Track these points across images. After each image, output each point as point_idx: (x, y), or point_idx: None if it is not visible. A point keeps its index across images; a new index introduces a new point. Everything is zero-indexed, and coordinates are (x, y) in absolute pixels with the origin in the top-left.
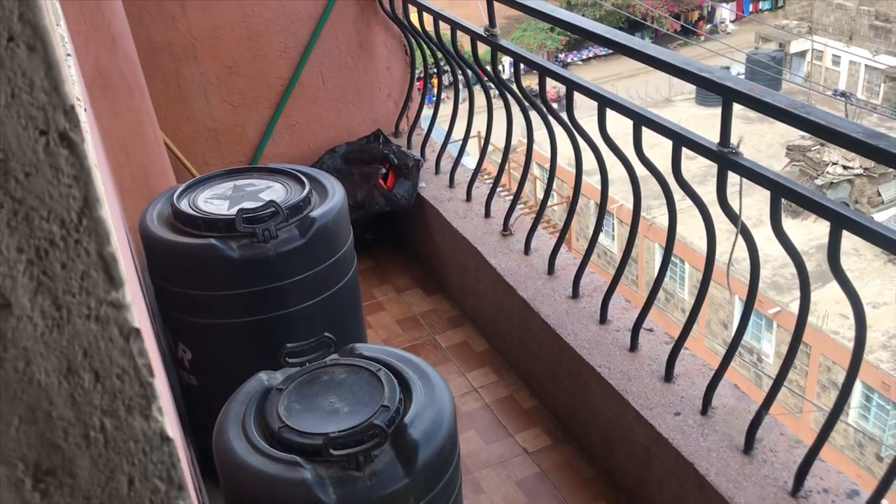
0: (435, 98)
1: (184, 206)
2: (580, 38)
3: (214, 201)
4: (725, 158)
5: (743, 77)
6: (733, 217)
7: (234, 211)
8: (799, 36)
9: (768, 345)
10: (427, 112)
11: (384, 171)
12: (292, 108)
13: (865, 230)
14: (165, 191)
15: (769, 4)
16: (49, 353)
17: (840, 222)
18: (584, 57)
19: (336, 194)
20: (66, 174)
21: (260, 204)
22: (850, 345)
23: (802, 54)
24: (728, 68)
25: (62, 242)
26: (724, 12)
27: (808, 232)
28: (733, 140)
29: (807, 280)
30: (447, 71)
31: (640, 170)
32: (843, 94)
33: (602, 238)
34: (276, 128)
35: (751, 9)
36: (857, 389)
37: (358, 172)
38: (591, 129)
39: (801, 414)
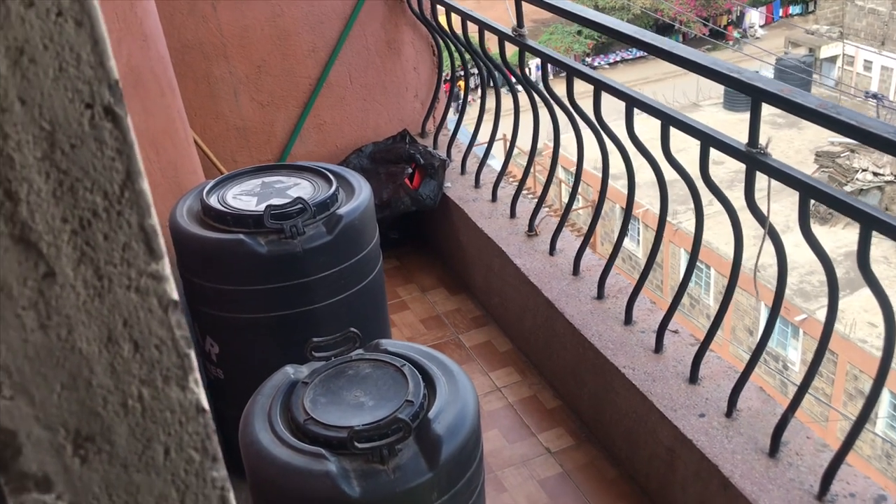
0: (462, 99)
1: (213, 201)
2: (608, 40)
3: (243, 197)
4: (754, 159)
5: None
6: (761, 219)
7: (262, 207)
8: (830, 41)
9: (794, 352)
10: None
11: (410, 170)
12: (320, 108)
13: (893, 229)
14: (195, 187)
15: (800, 9)
16: (90, 322)
17: (870, 223)
18: (612, 61)
19: (363, 192)
20: (109, 147)
21: (288, 201)
22: (879, 353)
23: (833, 59)
24: (757, 72)
25: (105, 213)
26: (754, 16)
27: (836, 239)
28: (762, 141)
29: (835, 279)
30: (474, 73)
31: (666, 174)
32: (874, 96)
33: (627, 242)
34: (304, 127)
35: (781, 13)
36: (886, 398)
37: (384, 172)
38: (618, 132)
39: (827, 423)
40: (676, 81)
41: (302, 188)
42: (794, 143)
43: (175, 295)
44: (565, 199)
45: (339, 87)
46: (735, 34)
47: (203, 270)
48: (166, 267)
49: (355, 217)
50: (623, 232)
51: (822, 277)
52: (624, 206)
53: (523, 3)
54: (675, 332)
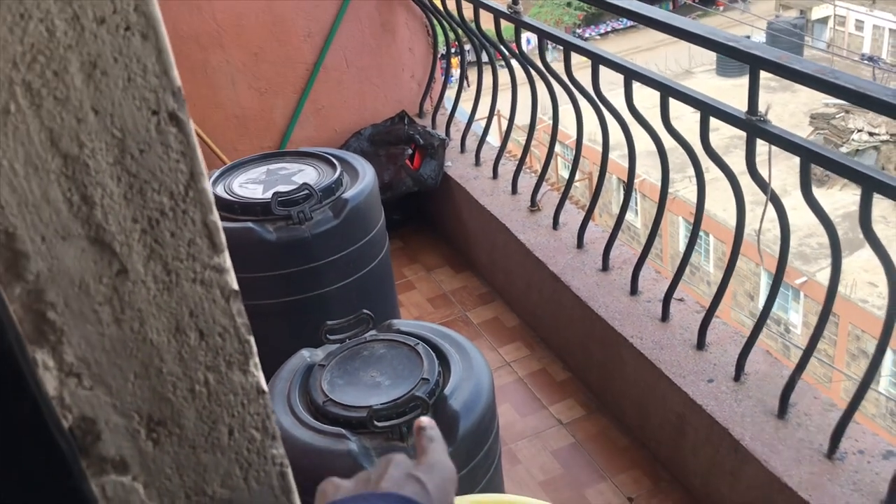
0: (458, 78)
1: (220, 191)
2: (598, 11)
3: (249, 186)
4: (754, 126)
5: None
6: (763, 185)
7: (269, 195)
8: (821, 1)
9: (795, 315)
10: (451, 92)
11: (410, 151)
12: (318, 93)
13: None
14: None
15: None
16: (160, 314)
17: (871, 185)
18: (602, 31)
19: (367, 175)
20: (174, 150)
21: (294, 187)
22: (880, 313)
23: (825, 20)
24: (749, 37)
25: (171, 212)
26: None
27: (834, 201)
28: (761, 108)
29: (838, 246)
30: (469, 50)
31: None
32: (870, 59)
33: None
34: (303, 112)
35: None
36: (889, 357)
37: (384, 154)
38: (615, 102)
39: (831, 384)
40: (668, 50)
41: (307, 174)
42: (788, 106)
43: (235, 285)
44: (563, 174)
45: (335, 71)
46: None
47: None
48: (227, 259)
49: (361, 200)
50: (626, 203)
51: (820, 240)
52: (620, 178)
53: None
54: (681, 300)
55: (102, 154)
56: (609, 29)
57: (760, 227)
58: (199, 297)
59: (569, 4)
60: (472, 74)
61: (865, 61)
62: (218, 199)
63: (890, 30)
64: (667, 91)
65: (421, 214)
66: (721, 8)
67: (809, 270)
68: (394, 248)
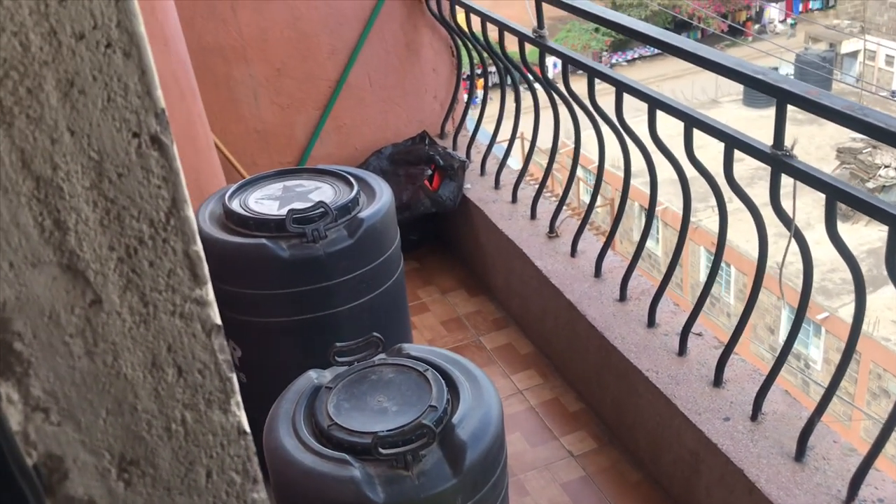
0: (481, 100)
1: (235, 206)
2: (626, 38)
3: (265, 202)
4: (779, 161)
5: (792, 78)
6: (787, 221)
7: (284, 211)
8: (851, 35)
9: (816, 351)
10: (473, 114)
11: (430, 172)
12: (339, 110)
13: None
14: (217, 191)
15: (820, 4)
16: (135, 348)
17: None
18: (630, 58)
19: (384, 195)
20: (156, 175)
21: (309, 204)
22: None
23: (854, 54)
24: (777, 69)
25: (151, 241)
26: (773, 12)
27: (859, 236)
28: (787, 142)
29: (862, 286)
30: (493, 72)
31: (687, 171)
32: None
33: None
34: (324, 129)
35: (801, 8)
36: None
37: (404, 173)
38: (638, 130)
39: (851, 422)
40: (695, 78)
41: (323, 192)
42: (815, 139)
43: (218, 319)
44: (584, 199)
45: (358, 89)
46: (754, 29)
47: (226, 274)
48: (210, 292)
49: (377, 221)
50: (646, 234)
51: (843, 275)
52: (642, 205)
53: (543, 3)
54: (699, 334)
55: (78, 177)
56: (636, 56)
57: (783, 261)
58: (178, 331)
59: (596, 30)
60: (497, 96)
61: (893, 97)
62: (233, 214)
63: None
64: (691, 122)
65: (438, 236)
66: (749, 38)
67: (832, 306)
68: (409, 269)
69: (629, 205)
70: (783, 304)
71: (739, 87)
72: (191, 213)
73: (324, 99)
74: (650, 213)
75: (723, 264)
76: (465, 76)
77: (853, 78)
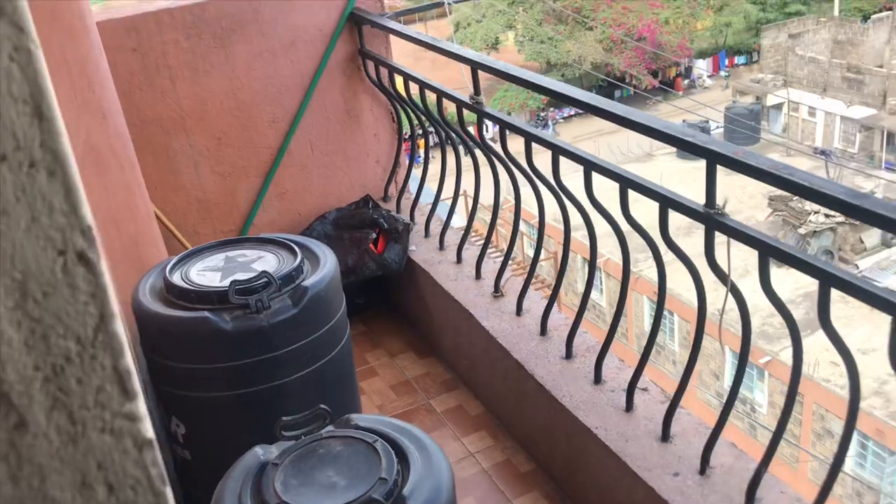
0: (422, 161)
1: (176, 279)
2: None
3: (207, 273)
4: (712, 219)
5: (722, 130)
6: (722, 276)
7: (226, 283)
8: (774, 89)
9: (761, 395)
10: (418, 174)
11: (374, 235)
12: (282, 177)
13: (854, 288)
14: (157, 264)
15: (744, 59)
16: (64, 469)
17: (829, 281)
18: (566, 115)
19: (328, 262)
20: (83, 292)
21: (252, 275)
22: (842, 392)
23: (779, 107)
24: (707, 122)
25: (78, 358)
26: (701, 67)
27: (795, 280)
28: (719, 200)
29: (798, 338)
30: (432, 132)
31: (626, 225)
32: (822, 152)
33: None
34: (266, 196)
35: (726, 63)
36: (853, 437)
37: (348, 238)
38: (577, 185)
39: (798, 464)
40: (631, 133)
41: (266, 261)
42: (747, 188)
43: (150, 433)
44: (528, 252)
45: (300, 156)
46: (684, 85)
47: (167, 349)
48: (141, 406)
49: (321, 288)
50: (586, 296)
51: (776, 328)
52: (585, 257)
53: (479, 70)
54: (645, 389)
55: (0, 299)
56: (573, 112)
57: (722, 314)
58: (109, 448)
59: None
60: (439, 155)
61: (819, 154)
62: (174, 287)
63: (840, 117)
64: (626, 183)
65: (385, 299)
66: (680, 93)
67: (773, 350)
68: (356, 333)
69: (572, 257)
70: (727, 349)
71: None
72: (119, 328)
73: (265, 167)
74: (591, 272)
75: (666, 312)
76: (406, 136)
77: (780, 130)
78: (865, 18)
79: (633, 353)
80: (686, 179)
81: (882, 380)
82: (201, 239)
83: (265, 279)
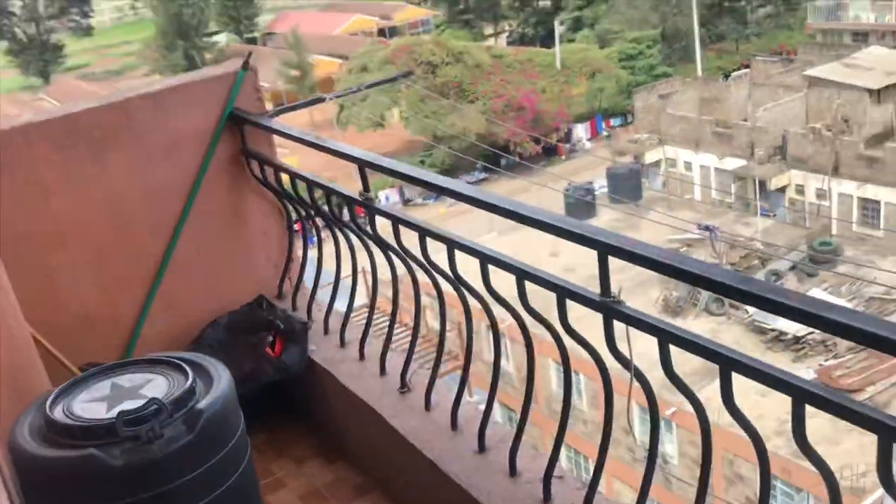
0: (317, 259)
1: (58, 414)
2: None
3: (91, 405)
4: (609, 308)
5: (606, 190)
6: (625, 363)
7: (113, 413)
8: (651, 147)
9: (671, 446)
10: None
11: (271, 338)
12: (168, 285)
13: (754, 371)
14: (37, 398)
15: (619, 121)
16: None
17: (730, 365)
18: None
19: (222, 379)
20: None
21: (141, 402)
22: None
23: (657, 163)
24: (591, 183)
25: None
26: (580, 131)
27: (688, 327)
28: (614, 289)
29: (702, 410)
30: (325, 226)
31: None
32: (706, 228)
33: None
34: (153, 307)
35: (604, 126)
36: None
37: (243, 343)
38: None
39: None
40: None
41: (156, 385)
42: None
43: None
44: (433, 324)
45: (186, 262)
46: (566, 149)
47: (51, 494)
48: None
49: (217, 409)
50: (493, 394)
51: (684, 369)
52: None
53: (366, 168)
54: (561, 477)
55: None
56: (475, 178)
57: (629, 401)
58: None
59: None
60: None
61: (703, 230)
62: (55, 424)
63: (715, 169)
64: (523, 275)
65: (287, 403)
66: (563, 157)
67: (677, 400)
68: (259, 443)
69: (479, 324)
70: (633, 404)
71: (561, 206)
72: None
73: (150, 276)
74: (495, 374)
75: (573, 373)
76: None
77: (659, 185)
78: (726, 76)
79: (540, 415)
80: (568, 244)
81: (783, 419)
82: (87, 358)
83: (155, 406)
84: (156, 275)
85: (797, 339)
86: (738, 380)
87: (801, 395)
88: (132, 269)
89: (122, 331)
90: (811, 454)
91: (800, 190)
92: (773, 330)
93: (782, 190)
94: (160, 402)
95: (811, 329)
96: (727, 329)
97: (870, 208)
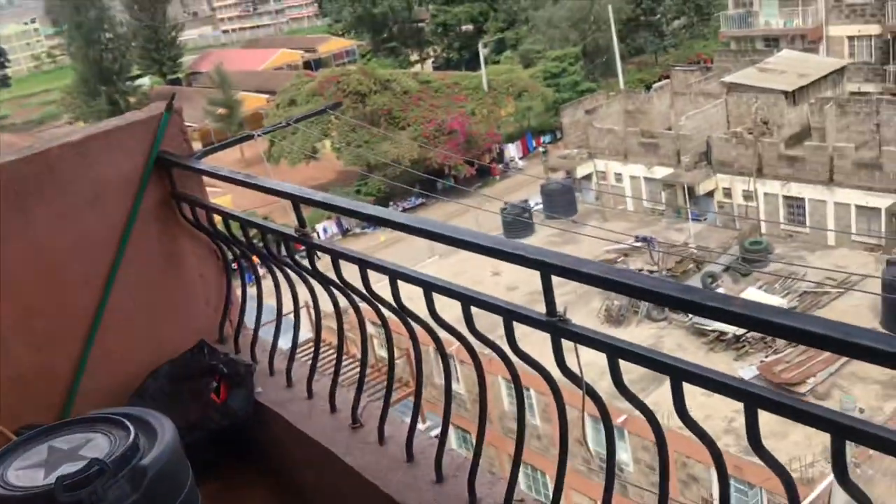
0: (257, 297)
1: None
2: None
3: (27, 472)
4: (556, 327)
5: (541, 206)
6: (576, 380)
7: (51, 479)
8: (581, 162)
9: (624, 454)
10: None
11: (215, 383)
12: (104, 338)
13: (705, 380)
14: None
15: (549, 138)
16: None
17: (680, 376)
18: (406, 206)
19: (166, 432)
20: None
21: (82, 464)
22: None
23: (589, 176)
24: (527, 200)
25: None
26: (512, 151)
27: (632, 336)
28: (559, 308)
29: (657, 424)
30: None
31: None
32: (644, 239)
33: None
34: (90, 362)
35: (534, 144)
36: (714, 478)
37: (187, 391)
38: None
39: None
40: (458, 223)
41: (96, 444)
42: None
43: None
44: (380, 353)
45: (122, 312)
46: (500, 169)
47: None
48: None
49: (162, 464)
50: (446, 425)
51: (631, 376)
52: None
53: (301, 204)
54: (521, 501)
55: None
56: (417, 202)
57: (583, 414)
58: None
59: (358, 191)
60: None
61: (641, 242)
62: None
63: (644, 178)
64: (468, 300)
65: (237, 449)
66: (497, 177)
67: (627, 407)
68: (211, 493)
69: (427, 350)
70: (585, 415)
71: (498, 225)
72: None
73: (85, 330)
74: (446, 417)
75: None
76: (235, 269)
77: (593, 197)
78: (648, 88)
79: (495, 433)
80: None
81: (730, 418)
82: (22, 421)
83: (97, 467)
84: (90, 328)
85: (737, 339)
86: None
87: (754, 401)
88: (65, 324)
89: (59, 389)
90: (767, 458)
91: (727, 193)
92: (713, 331)
93: (710, 194)
94: (101, 463)
95: None
96: (669, 333)
97: (795, 206)
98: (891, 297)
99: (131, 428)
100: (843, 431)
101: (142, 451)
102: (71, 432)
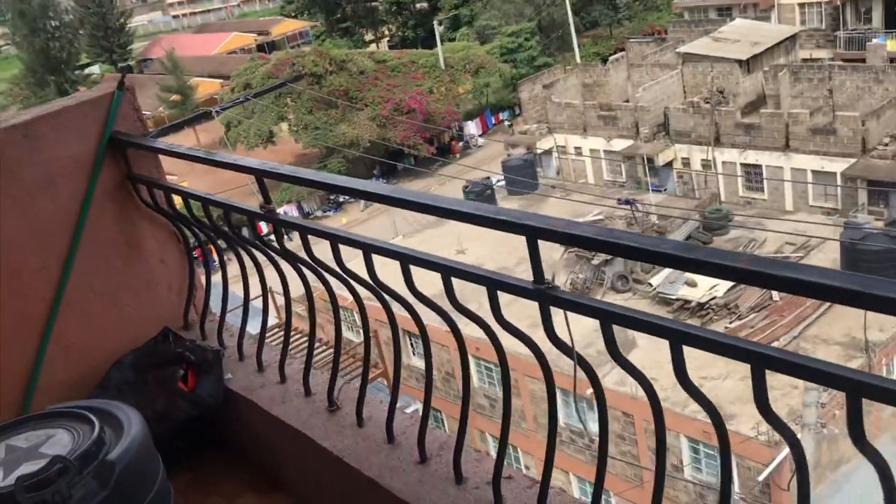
0: (222, 282)
1: None
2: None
3: None
4: (545, 294)
5: (503, 184)
6: (567, 350)
7: (11, 480)
8: (541, 137)
9: (594, 425)
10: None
11: (182, 371)
12: (63, 329)
13: (708, 342)
14: None
15: (508, 114)
16: None
17: (680, 339)
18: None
19: (133, 424)
20: None
21: (43, 462)
22: (666, 405)
23: (549, 152)
24: (489, 178)
25: None
26: (471, 128)
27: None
28: (547, 276)
29: (658, 403)
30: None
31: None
32: (627, 202)
33: (420, 360)
34: (48, 354)
35: (493, 121)
36: (684, 444)
37: (153, 380)
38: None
39: (643, 483)
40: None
41: (58, 441)
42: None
43: None
44: (349, 336)
45: (80, 301)
46: (460, 147)
47: None
48: None
49: (131, 458)
50: (427, 407)
51: (599, 347)
52: (405, 329)
53: (264, 179)
54: (509, 478)
55: None
56: None
57: (574, 387)
58: None
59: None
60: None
61: (623, 204)
62: None
63: (604, 151)
64: (449, 271)
65: (209, 438)
66: (457, 155)
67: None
68: (183, 484)
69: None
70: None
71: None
72: None
73: (42, 321)
74: (427, 396)
75: (492, 365)
76: (198, 254)
77: (554, 172)
78: (604, 61)
79: (475, 414)
80: (502, 236)
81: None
82: None
83: (59, 464)
84: (47, 319)
85: (701, 306)
86: (647, 350)
87: (762, 361)
88: (20, 315)
89: (16, 385)
90: (774, 421)
91: (686, 163)
92: (677, 300)
93: (670, 165)
94: (65, 460)
95: (713, 295)
96: (635, 303)
97: (753, 172)
98: (850, 259)
99: (95, 421)
100: (860, 389)
101: (108, 445)
102: (30, 429)
